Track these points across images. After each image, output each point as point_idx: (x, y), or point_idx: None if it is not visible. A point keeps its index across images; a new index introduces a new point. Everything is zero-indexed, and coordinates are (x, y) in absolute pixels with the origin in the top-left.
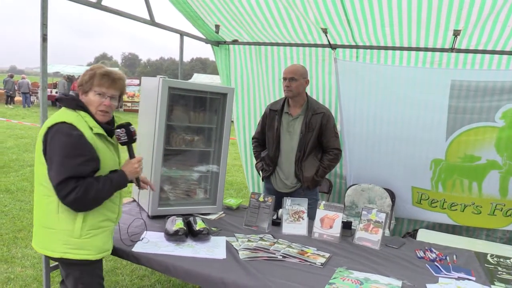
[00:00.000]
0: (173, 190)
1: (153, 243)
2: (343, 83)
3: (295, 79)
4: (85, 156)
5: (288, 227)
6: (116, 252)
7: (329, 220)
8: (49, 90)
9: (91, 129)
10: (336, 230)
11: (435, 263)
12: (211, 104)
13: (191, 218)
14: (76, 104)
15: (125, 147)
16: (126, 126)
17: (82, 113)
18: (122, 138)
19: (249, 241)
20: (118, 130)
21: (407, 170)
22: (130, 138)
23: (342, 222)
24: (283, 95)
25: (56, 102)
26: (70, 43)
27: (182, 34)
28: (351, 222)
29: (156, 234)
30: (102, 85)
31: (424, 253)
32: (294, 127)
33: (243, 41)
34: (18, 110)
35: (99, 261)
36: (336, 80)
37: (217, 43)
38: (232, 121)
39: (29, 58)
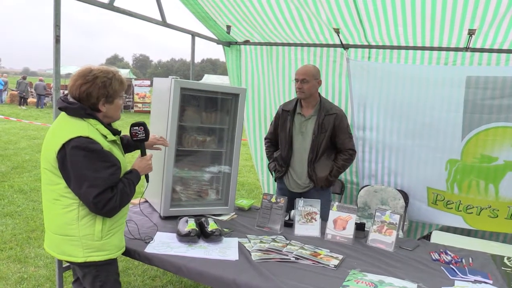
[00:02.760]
0: (184, 191)
1: (165, 243)
2: (355, 83)
3: (307, 81)
4: (113, 166)
5: (300, 229)
6: (128, 253)
7: (342, 222)
8: (61, 91)
9: (105, 137)
10: (349, 231)
11: (451, 265)
12: (223, 105)
13: (203, 219)
14: (85, 113)
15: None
16: (144, 124)
17: (92, 121)
18: (140, 135)
19: (261, 242)
20: (136, 127)
21: (422, 170)
22: (147, 136)
23: (356, 223)
24: (293, 96)
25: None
26: (79, 44)
27: (193, 34)
28: (364, 224)
29: (168, 235)
30: (125, 87)
31: (439, 256)
32: (306, 127)
33: (254, 41)
34: (31, 111)
35: (116, 260)
36: (347, 81)
37: (228, 44)
38: None
39: (42, 60)
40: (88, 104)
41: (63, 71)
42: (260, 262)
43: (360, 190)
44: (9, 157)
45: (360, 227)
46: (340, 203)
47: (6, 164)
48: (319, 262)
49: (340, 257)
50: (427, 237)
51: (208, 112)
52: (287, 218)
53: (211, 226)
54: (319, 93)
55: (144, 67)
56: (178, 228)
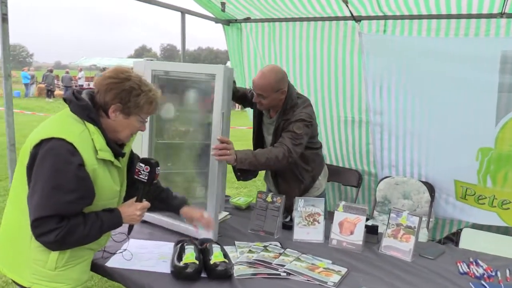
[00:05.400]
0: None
1: (135, 255)
2: (369, 60)
3: (265, 97)
4: (79, 192)
5: (300, 233)
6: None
7: (349, 225)
8: (87, 83)
9: (96, 151)
10: (358, 236)
11: (482, 281)
12: (208, 89)
13: (207, 245)
14: (87, 115)
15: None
16: (154, 165)
17: (92, 127)
18: (141, 176)
19: (250, 251)
20: (142, 165)
21: (449, 161)
22: (150, 181)
23: (366, 226)
24: (298, 78)
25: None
26: (104, 37)
27: (183, 12)
28: (377, 227)
29: (142, 244)
30: (151, 112)
31: (468, 267)
32: (269, 131)
33: (255, 18)
34: (58, 103)
35: None
36: (360, 59)
37: (227, 22)
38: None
39: (72, 54)
40: (100, 102)
41: (87, 62)
42: (241, 279)
43: (379, 183)
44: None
45: (372, 230)
46: (347, 203)
47: None
48: (315, 279)
49: (343, 270)
50: (456, 234)
51: (188, 98)
52: (288, 219)
53: (215, 256)
54: (289, 95)
55: (172, 57)
56: (172, 257)
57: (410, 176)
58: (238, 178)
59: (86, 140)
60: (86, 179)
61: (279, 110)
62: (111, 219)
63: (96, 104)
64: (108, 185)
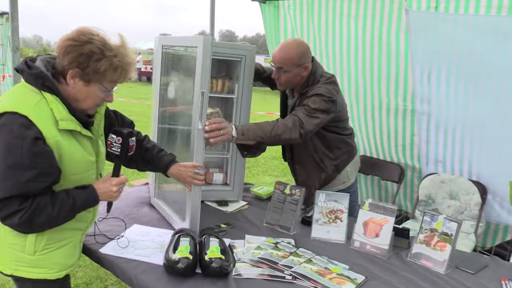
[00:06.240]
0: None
1: (132, 241)
2: (417, 41)
3: (285, 70)
4: (38, 168)
5: (319, 230)
6: (83, 249)
7: (375, 226)
8: (144, 66)
9: (57, 122)
10: (384, 240)
11: None
12: (230, 69)
13: (204, 238)
14: (42, 84)
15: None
16: (126, 135)
17: (49, 96)
18: (114, 149)
19: (258, 248)
20: (113, 136)
21: (504, 158)
22: (124, 153)
23: (395, 228)
24: (338, 60)
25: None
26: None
27: None
28: (408, 230)
29: (145, 230)
30: (116, 80)
31: None
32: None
33: None
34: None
35: (64, 279)
36: (407, 40)
37: (264, 0)
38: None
39: (137, 36)
40: (59, 67)
41: (145, 46)
42: (238, 278)
43: (423, 179)
44: None
45: (402, 234)
46: (373, 201)
47: None
48: (324, 286)
49: (360, 279)
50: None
51: (210, 78)
52: (310, 213)
53: (211, 252)
54: (312, 72)
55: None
56: (167, 248)
57: (459, 174)
58: (244, 155)
59: (44, 111)
60: (46, 154)
61: (299, 89)
62: (84, 196)
63: (57, 70)
64: (80, 157)
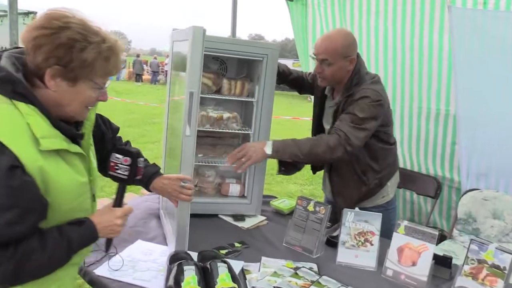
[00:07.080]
0: (199, 184)
1: (133, 261)
2: (461, 43)
3: (330, 63)
4: (19, 207)
5: (346, 255)
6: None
7: (411, 253)
8: (160, 67)
9: (37, 141)
10: (423, 270)
11: None
12: (250, 69)
13: (210, 263)
14: (12, 91)
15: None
16: (135, 155)
17: (24, 107)
18: (119, 171)
19: (275, 274)
20: (118, 156)
21: None
22: (132, 177)
23: (436, 256)
24: (374, 61)
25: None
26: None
27: None
28: (450, 258)
29: (149, 248)
30: (109, 72)
31: None
32: (329, 119)
33: None
34: (145, 87)
35: None
36: (450, 41)
37: None
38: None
39: (164, 39)
40: (31, 66)
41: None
42: None
43: (462, 196)
44: None
45: (443, 262)
46: (409, 223)
47: None
48: None
49: None
50: None
51: (228, 79)
52: (336, 233)
53: (222, 280)
54: (357, 68)
55: None
56: (166, 279)
57: (503, 191)
58: (280, 171)
59: (19, 127)
60: (27, 186)
61: (343, 89)
62: (81, 234)
63: (29, 70)
64: (70, 181)
